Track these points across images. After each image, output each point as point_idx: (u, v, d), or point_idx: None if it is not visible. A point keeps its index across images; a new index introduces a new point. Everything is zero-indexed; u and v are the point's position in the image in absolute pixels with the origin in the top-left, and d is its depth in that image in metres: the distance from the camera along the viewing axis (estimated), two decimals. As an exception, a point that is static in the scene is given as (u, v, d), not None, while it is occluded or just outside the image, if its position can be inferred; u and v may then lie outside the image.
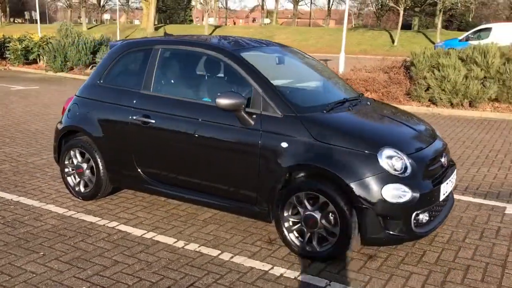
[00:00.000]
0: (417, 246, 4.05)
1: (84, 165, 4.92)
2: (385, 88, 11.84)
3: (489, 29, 21.77)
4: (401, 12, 29.63)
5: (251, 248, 4.00)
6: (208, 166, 4.16)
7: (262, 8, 58.61)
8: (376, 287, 3.43)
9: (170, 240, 4.13)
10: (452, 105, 11.05)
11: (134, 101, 4.51)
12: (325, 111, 3.96)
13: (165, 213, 4.72)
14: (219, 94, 3.86)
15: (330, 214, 3.63)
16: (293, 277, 3.55)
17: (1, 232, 4.25)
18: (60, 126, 5.13)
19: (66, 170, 5.08)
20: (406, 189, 3.50)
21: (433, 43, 26.04)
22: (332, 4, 53.41)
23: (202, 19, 77.46)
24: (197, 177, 4.27)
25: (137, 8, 65.37)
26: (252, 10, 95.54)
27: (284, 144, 3.75)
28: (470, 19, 54.59)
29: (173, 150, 4.33)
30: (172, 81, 4.66)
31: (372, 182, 3.49)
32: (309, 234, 3.76)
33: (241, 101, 3.84)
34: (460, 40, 22.14)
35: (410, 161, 3.62)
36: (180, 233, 4.27)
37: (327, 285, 3.44)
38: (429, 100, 11.39)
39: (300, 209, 3.75)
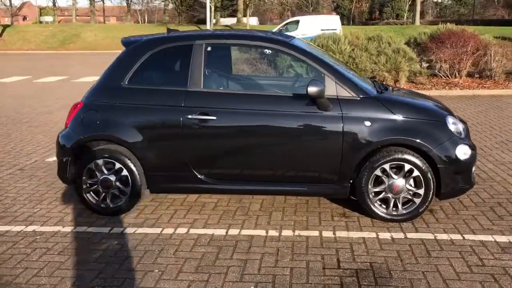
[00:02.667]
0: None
1: (112, 177, 4.47)
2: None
3: (297, 22, 24.45)
4: (212, 8, 31.15)
5: (337, 224, 4.32)
6: (285, 155, 4.28)
7: (54, 5, 53.96)
8: (464, 229, 4.15)
9: (260, 232, 4.17)
10: (318, 88, 12.45)
11: (183, 100, 4.32)
12: (385, 91, 4.47)
13: (214, 211, 4.64)
14: (309, 82, 4.06)
15: (414, 179, 4.20)
16: (403, 237, 4.04)
17: (73, 261, 3.69)
18: (71, 139, 4.52)
19: (84, 186, 4.52)
20: (467, 148, 4.29)
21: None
22: (131, 2, 52.27)
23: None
24: (270, 168, 4.34)
25: None
26: (21, 7, 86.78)
27: (367, 123, 4.17)
28: (250, 14, 59.74)
29: (241, 144, 4.31)
30: (227, 75, 4.57)
31: (448, 145, 4.19)
32: (393, 200, 4.26)
33: (324, 88, 4.10)
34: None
35: (462, 126, 4.42)
36: (258, 225, 4.32)
37: (435, 237, 4.03)
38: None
39: (384, 179, 4.23)
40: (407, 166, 4.18)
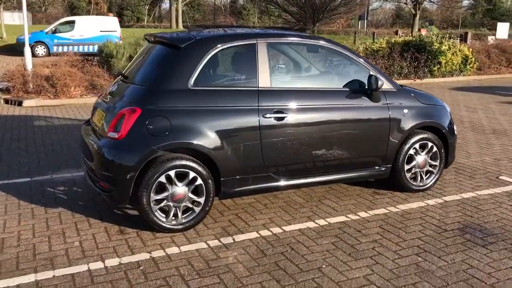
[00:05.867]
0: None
1: (184, 189, 4.07)
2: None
3: (73, 22, 22.62)
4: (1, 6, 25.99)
5: (384, 201, 4.91)
6: (348, 145, 4.64)
7: None
8: (471, 188, 5.29)
9: (342, 219, 4.46)
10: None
11: (258, 99, 4.25)
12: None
13: (269, 209, 4.66)
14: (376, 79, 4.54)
15: (431, 154, 5.13)
16: (443, 201, 4.92)
17: (231, 279, 3.38)
18: (136, 151, 3.90)
19: (152, 205, 4.00)
20: (455, 126, 5.45)
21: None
22: None
23: None
24: (336, 159, 4.62)
25: None
26: None
27: (405, 110, 4.89)
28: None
29: (312, 138, 4.47)
30: (292, 72, 4.57)
31: (451, 124, 5.25)
32: (419, 174, 5.12)
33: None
34: (47, 33, 22.08)
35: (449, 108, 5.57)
36: (328, 213, 4.57)
37: (461, 197, 5.05)
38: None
39: (416, 157, 5.03)
40: (430, 144, 5.08)
